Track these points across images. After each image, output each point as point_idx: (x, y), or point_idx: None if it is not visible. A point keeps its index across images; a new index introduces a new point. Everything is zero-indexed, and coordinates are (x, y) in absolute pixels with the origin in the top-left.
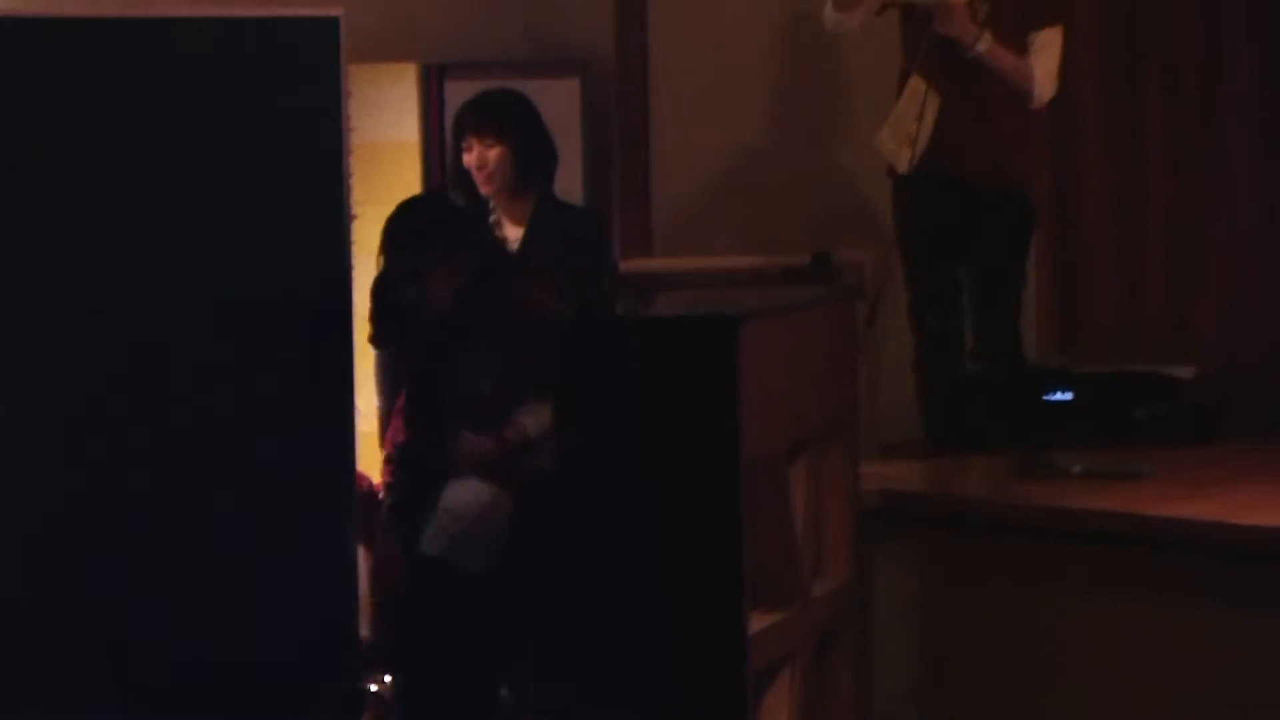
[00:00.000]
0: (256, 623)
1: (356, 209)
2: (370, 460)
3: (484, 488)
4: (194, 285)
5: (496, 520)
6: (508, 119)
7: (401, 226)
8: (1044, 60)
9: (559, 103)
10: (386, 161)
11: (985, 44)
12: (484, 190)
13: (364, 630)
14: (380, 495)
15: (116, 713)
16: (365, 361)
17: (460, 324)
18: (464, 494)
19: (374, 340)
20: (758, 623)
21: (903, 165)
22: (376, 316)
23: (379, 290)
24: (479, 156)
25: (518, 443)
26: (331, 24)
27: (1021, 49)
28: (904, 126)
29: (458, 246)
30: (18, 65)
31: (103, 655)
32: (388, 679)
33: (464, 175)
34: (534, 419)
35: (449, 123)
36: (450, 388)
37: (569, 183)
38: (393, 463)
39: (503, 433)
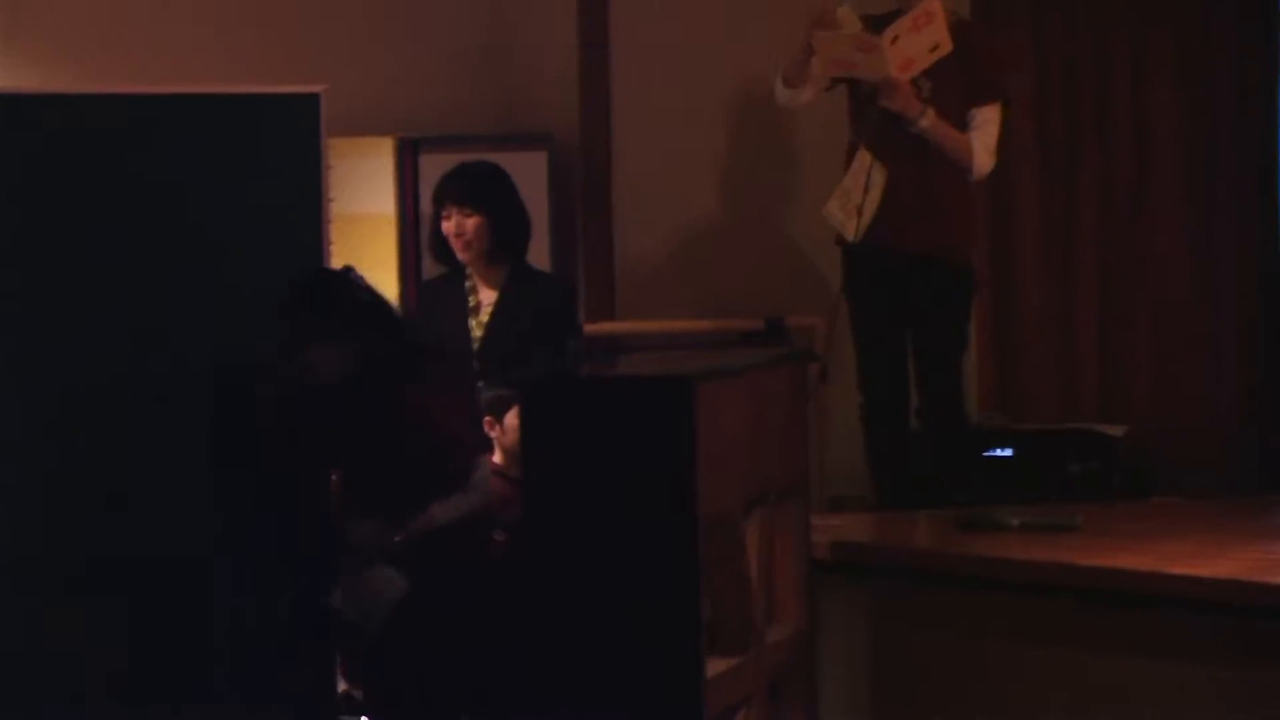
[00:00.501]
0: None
1: None
2: None
3: (395, 578)
4: (179, 344)
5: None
6: (485, 191)
7: (291, 298)
8: (983, 136)
9: (527, 174)
10: (364, 231)
11: (928, 120)
12: (461, 257)
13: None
14: None
15: None
16: None
17: (353, 409)
18: (379, 585)
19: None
20: (714, 668)
21: (850, 234)
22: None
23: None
24: (457, 225)
25: (425, 532)
26: (312, 100)
27: (962, 125)
28: (851, 198)
29: (349, 326)
30: (14, 140)
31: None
32: None
33: (442, 242)
34: (445, 508)
35: (423, 194)
36: (347, 474)
37: (536, 248)
38: None
39: (409, 524)
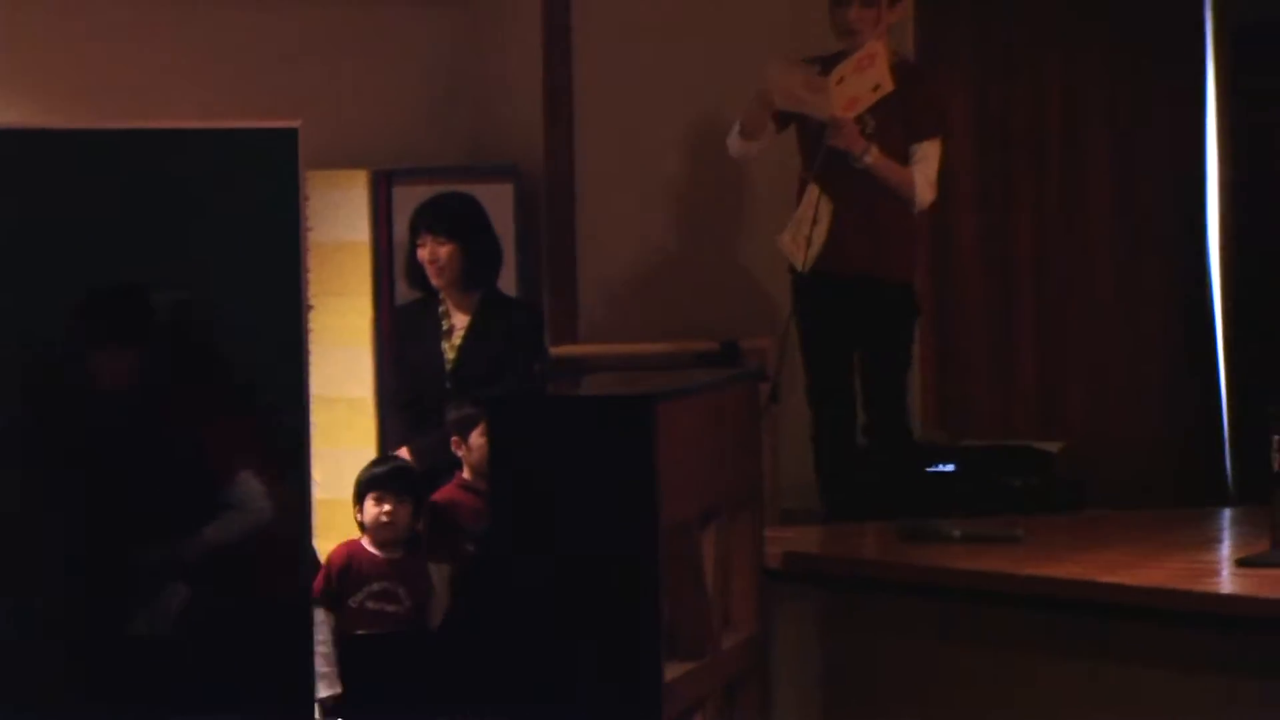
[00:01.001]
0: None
1: (312, 300)
2: (326, 527)
3: (180, 588)
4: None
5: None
6: (458, 220)
7: (85, 304)
8: (924, 169)
9: (495, 204)
10: (340, 258)
11: (872, 156)
12: (435, 282)
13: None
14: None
15: None
16: (320, 437)
17: (139, 419)
18: (166, 597)
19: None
20: (672, 672)
21: (799, 264)
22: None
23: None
24: (431, 252)
25: (199, 556)
26: (291, 135)
27: (905, 159)
28: (801, 229)
29: (131, 338)
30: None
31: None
32: None
33: (417, 268)
34: (219, 529)
35: (397, 223)
36: (131, 487)
37: (504, 275)
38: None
39: (180, 544)
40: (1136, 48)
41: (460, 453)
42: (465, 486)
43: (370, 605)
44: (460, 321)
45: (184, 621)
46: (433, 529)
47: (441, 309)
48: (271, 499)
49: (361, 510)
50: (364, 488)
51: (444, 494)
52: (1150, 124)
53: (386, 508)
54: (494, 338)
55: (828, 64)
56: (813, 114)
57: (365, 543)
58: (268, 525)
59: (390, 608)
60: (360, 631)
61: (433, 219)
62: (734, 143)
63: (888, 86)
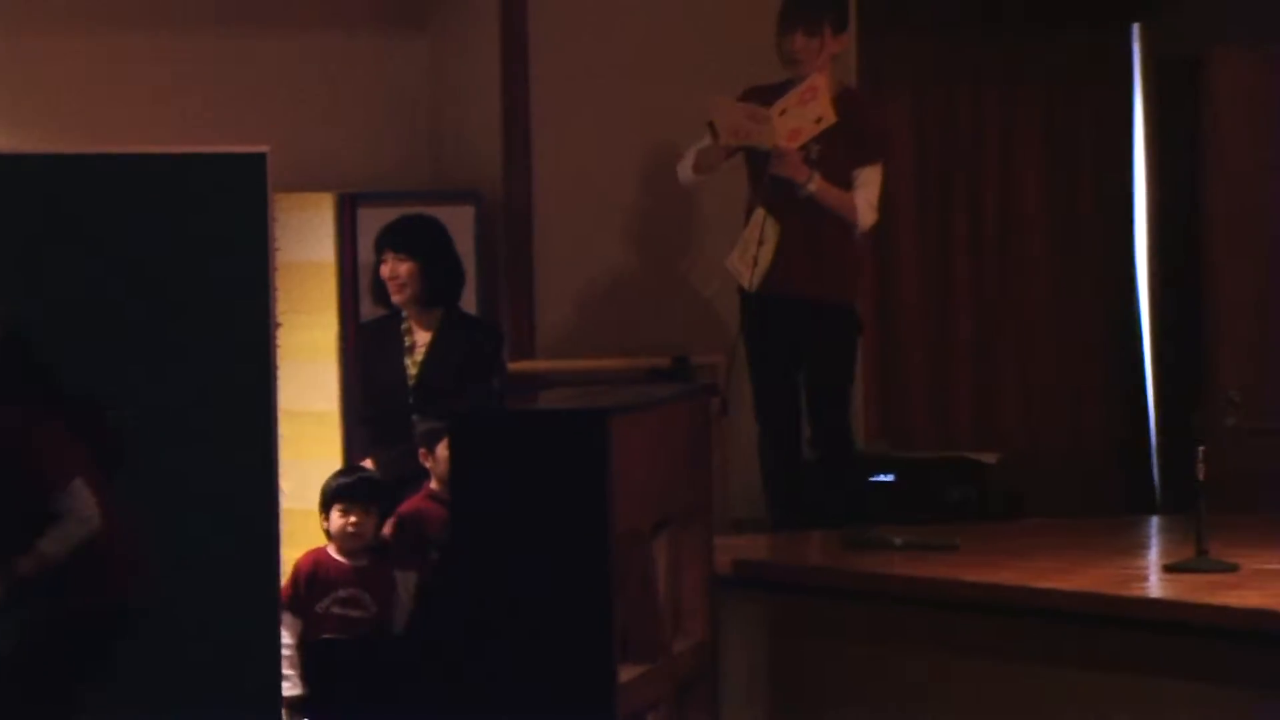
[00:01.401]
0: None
1: (280, 318)
2: (295, 535)
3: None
4: (138, 376)
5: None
6: (420, 240)
7: None
8: (866, 194)
9: (456, 227)
10: (306, 277)
11: (815, 184)
12: (396, 299)
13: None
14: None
15: None
16: (287, 449)
17: None
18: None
19: None
20: (626, 674)
21: (746, 284)
22: None
23: None
24: (392, 269)
25: (38, 569)
26: (260, 159)
27: (847, 183)
28: (748, 250)
29: None
30: None
31: None
32: None
33: (381, 286)
34: (53, 543)
35: (361, 244)
36: None
37: (464, 294)
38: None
39: (14, 561)
40: (1069, 77)
41: (428, 464)
42: (432, 497)
43: (336, 611)
44: (422, 338)
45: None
46: (400, 538)
47: (404, 326)
48: (102, 507)
49: (328, 520)
50: (330, 498)
51: (411, 504)
52: (1081, 151)
53: (353, 519)
54: (455, 354)
55: (774, 92)
56: (758, 145)
57: (331, 550)
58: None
59: (355, 613)
60: (326, 636)
61: (396, 238)
62: (685, 174)
63: (830, 119)
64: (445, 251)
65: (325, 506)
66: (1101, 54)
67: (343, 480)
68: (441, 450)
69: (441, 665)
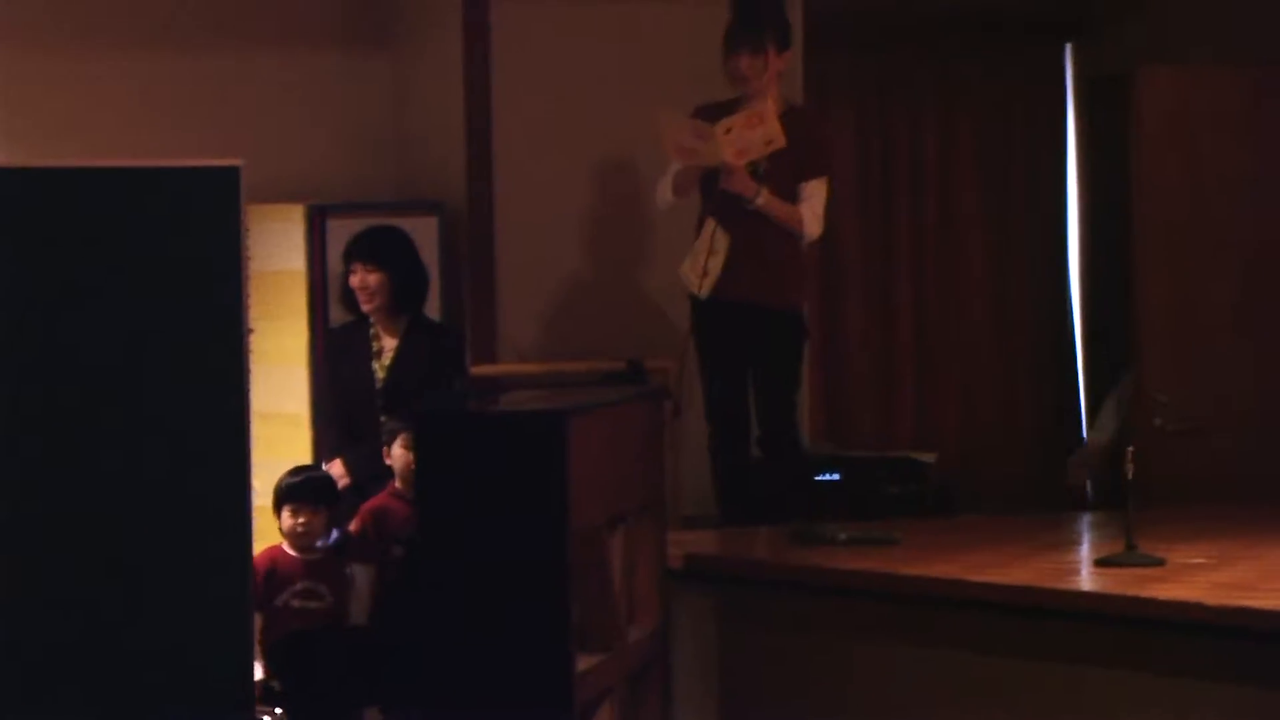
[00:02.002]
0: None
1: (253, 325)
2: (267, 532)
3: None
4: (112, 385)
5: None
6: (387, 250)
7: None
8: (811, 206)
9: (420, 236)
10: (278, 286)
11: (763, 198)
12: (365, 308)
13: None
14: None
15: None
16: (260, 449)
17: None
18: None
19: None
20: (583, 663)
21: (697, 291)
22: None
23: None
24: (362, 280)
25: None
26: (233, 172)
27: (794, 196)
28: (699, 259)
29: None
30: None
31: None
32: (279, 711)
33: (350, 295)
34: None
35: (330, 254)
36: None
37: (429, 301)
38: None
39: None
40: (1005, 95)
41: (388, 460)
42: (395, 494)
43: (295, 604)
44: (389, 344)
45: None
46: (360, 532)
47: (372, 331)
48: None
49: (280, 518)
50: (281, 498)
51: (375, 501)
52: (1017, 164)
53: (302, 519)
54: (420, 358)
55: (723, 109)
56: (705, 163)
57: (285, 547)
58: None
59: (314, 604)
60: (291, 628)
61: (365, 250)
62: (665, 197)
63: (780, 143)
64: (411, 261)
65: (277, 506)
66: (1036, 72)
67: (291, 480)
68: (398, 448)
69: (405, 656)
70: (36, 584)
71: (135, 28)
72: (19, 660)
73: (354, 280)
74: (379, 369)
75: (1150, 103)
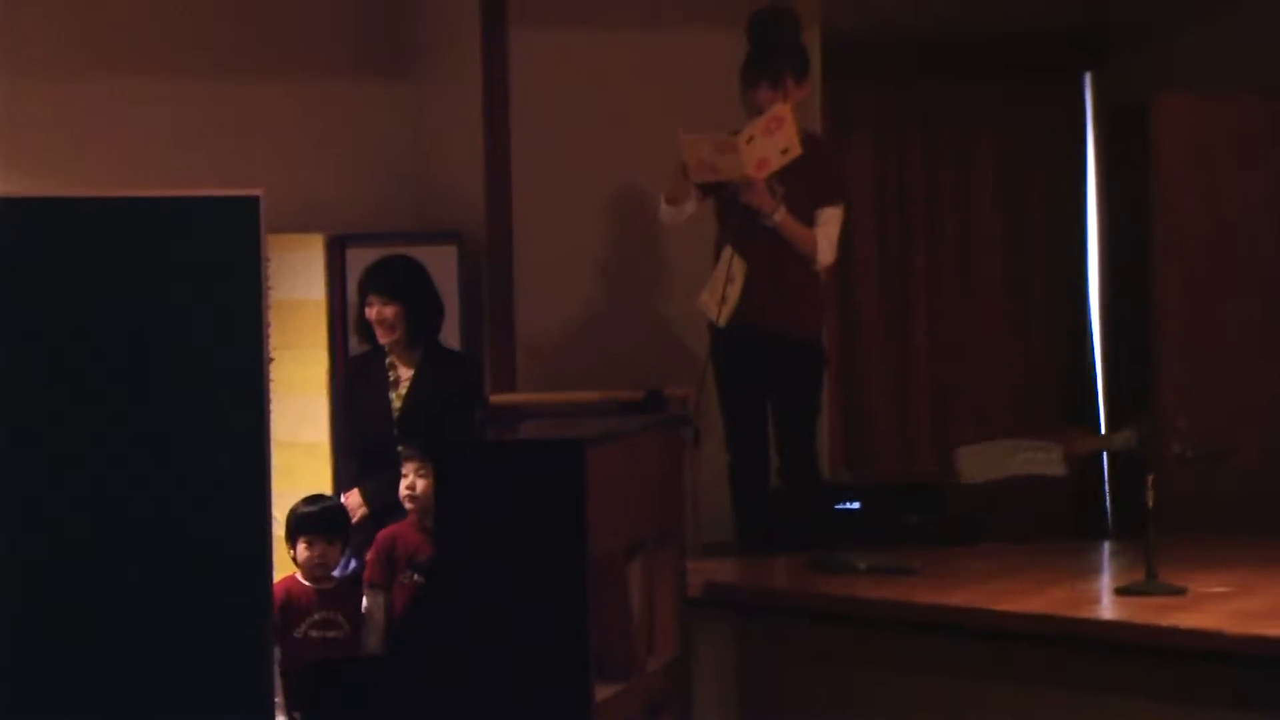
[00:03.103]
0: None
1: (273, 353)
2: (288, 562)
3: None
4: (131, 414)
5: None
6: (404, 283)
7: None
8: (826, 232)
9: (439, 265)
10: (299, 315)
11: (780, 215)
12: (382, 340)
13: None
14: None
15: None
16: (279, 478)
17: None
18: None
19: None
20: (602, 693)
21: (716, 319)
22: None
23: None
24: (379, 313)
25: None
26: (254, 202)
27: (810, 223)
28: (717, 288)
29: None
30: None
31: None
32: None
33: (366, 326)
34: None
35: (350, 283)
36: None
37: (448, 330)
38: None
39: None
40: (1024, 124)
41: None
42: (410, 522)
43: (314, 634)
44: (405, 374)
45: None
46: (376, 560)
47: (389, 360)
48: None
49: (294, 550)
50: (295, 530)
51: (390, 529)
52: (1036, 192)
53: (317, 551)
54: (436, 387)
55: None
56: (725, 176)
57: (299, 577)
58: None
59: (332, 634)
60: (310, 659)
61: (381, 283)
62: (663, 212)
63: (796, 150)
64: (427, 292)
65: (291, 537)
66: (1055, 101)
67: (305, 511)
68: (411, 476)
69: (424, 685)
70: (57, 617)
71: (155, 58)
72: (38, 691)
73: (370, 313)
74: (396, 398)
75: (1169, 131)
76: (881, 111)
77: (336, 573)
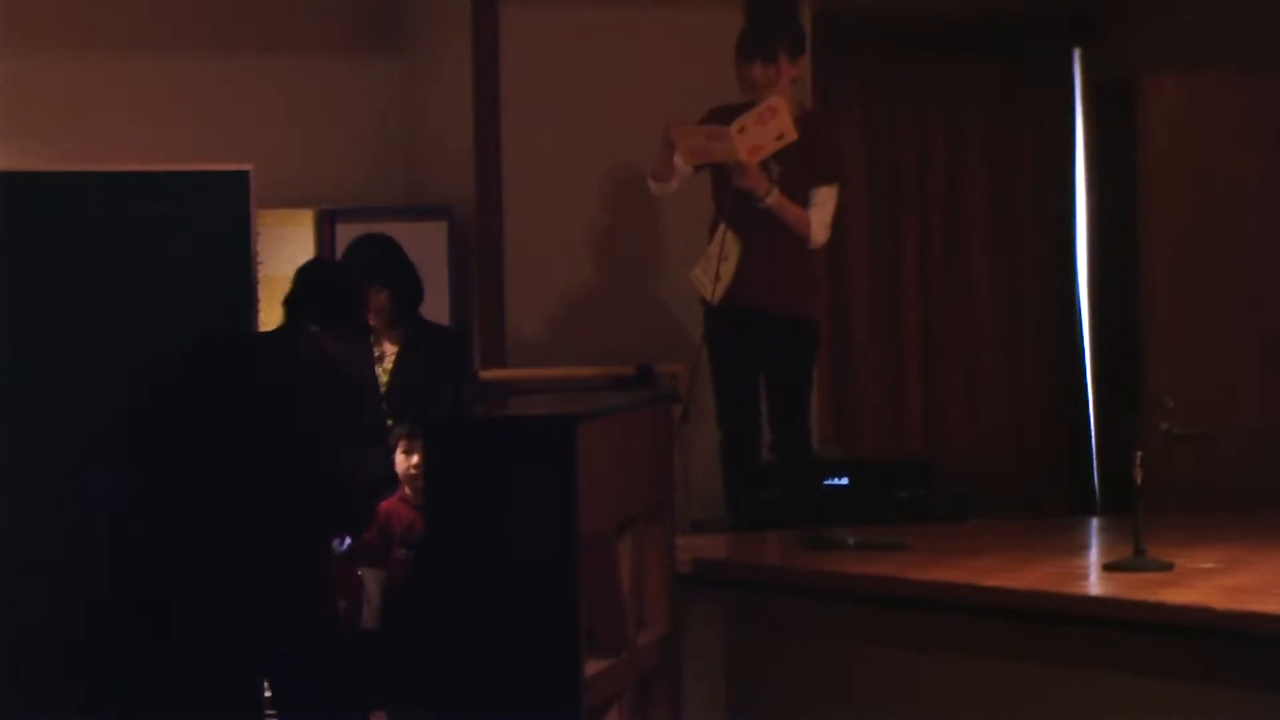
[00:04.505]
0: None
1: (263, 328)
2: None
3: None
4: (119, 390)
5: None
6: (387, 268)
7: None
8: (821, 212)
9: (430, 241)
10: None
11: (773, 198)
12: (371, 323)
13: None
14: None
15: None
16: None
17: None
18: None
19: None
20: (592, 668)
21: (710, 296)
22: None
23: None
24: (372, 300)
25: None
26: (243, 177)
27: (804, 203)
28: (711, 265)
29: None
30: None
31: None
32: None
33: None
34: None
35: (340, 258)
36: None
37: (439, 306)
38: None
39: None
40: (1013, 101)
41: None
42: (402, 498)
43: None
44: (390, 350)
45: None
46: (370, 536)
47: (373, 337)
48: None
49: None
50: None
51: (386, 504)
52: (1024, 169)
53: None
54: (420, 362)
55: (735, 112)
56: (719, 161)
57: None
58: None
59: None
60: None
61: (368, 269)
62: (651, 185)
63: (791, 136)
64: (408, 272)
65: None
66: (1044, 78)
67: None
68: (399, 453)
69: (413, 661)
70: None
71: (145, 32)
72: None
73: None
74: (381, 373)
75: (1157, 109)
76: (869, 88)
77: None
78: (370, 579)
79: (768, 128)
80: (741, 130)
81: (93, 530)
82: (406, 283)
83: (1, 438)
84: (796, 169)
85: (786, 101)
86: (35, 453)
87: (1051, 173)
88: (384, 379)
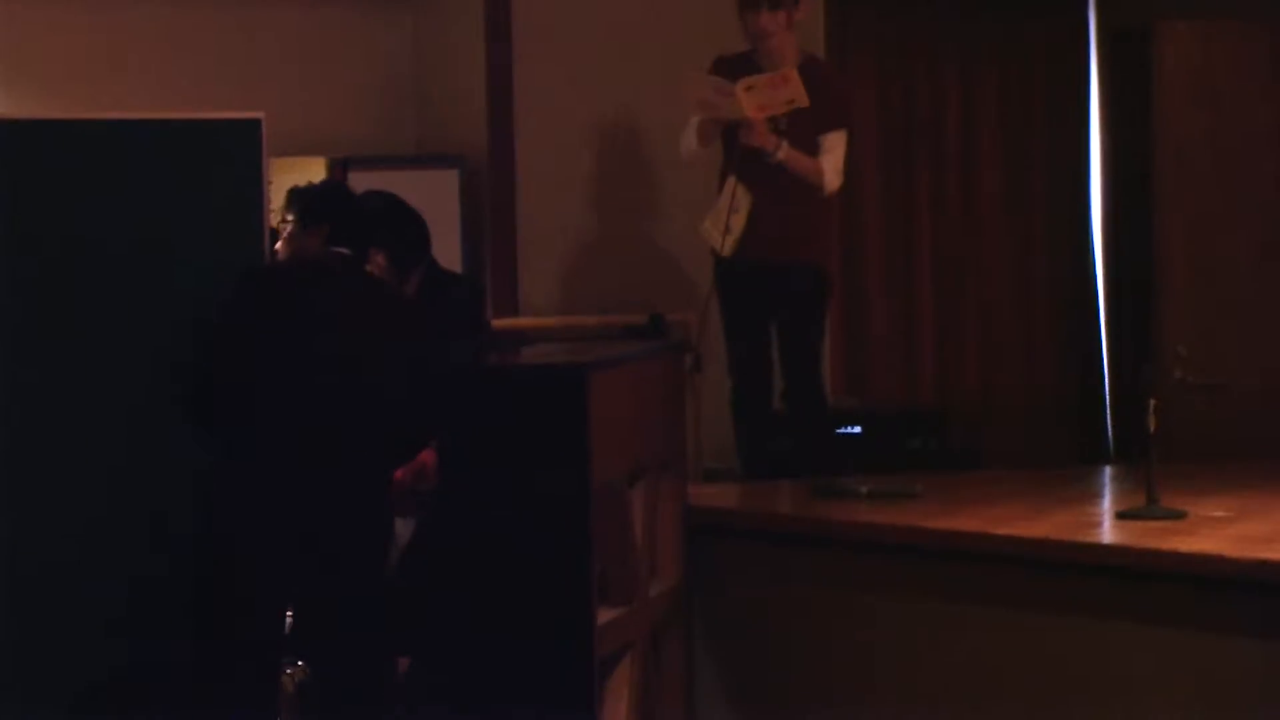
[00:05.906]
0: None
1: None
2: None
3: None
4: (133, 342)
5: None
6: (384, 233)
7: None
8: (831, 159)
9: (442, 190)
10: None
11: (783, 152)
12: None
13: None
14: None
15: None
16: None
17: None
18: None
19: None
20: (604, 617)
21: (720, 248)
22: None
23: None
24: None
25: None
26: (255, 125)
27: (814, 150)
28: (721, 216)
29: None
30: None
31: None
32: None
33: None
34: None
35: None
36: None
37: (450, 255)
38: None
39: None
40: (1027, 49)
41: None
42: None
43: None
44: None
45: None
46: (403, 487)
47: None
48: None
49: None
50: None
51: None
52: (1039, 118)
53: None
54: (435, 308)
55: (741, 61)
56: (725, 116)
57: None
58: None
59: None
60: None
61: (373, 235)
62: (689, 145)
63: (802, 102)
64: (405, 225)
65: None
66: (1058, 26)
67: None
68: None
69: (429, 610)
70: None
71: None
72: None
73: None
74: None
75: (1172, 58)
76: (884, 38)
77: None
78: (401, 530)
79: (778, 91)
80: (749, 89)
81: (92, 470)
82: (404, 239)
83: (18, 385)
84: (803, 116)
85: (793, 53)
86: (38, 401)
87: (1066, 122)
88: None
